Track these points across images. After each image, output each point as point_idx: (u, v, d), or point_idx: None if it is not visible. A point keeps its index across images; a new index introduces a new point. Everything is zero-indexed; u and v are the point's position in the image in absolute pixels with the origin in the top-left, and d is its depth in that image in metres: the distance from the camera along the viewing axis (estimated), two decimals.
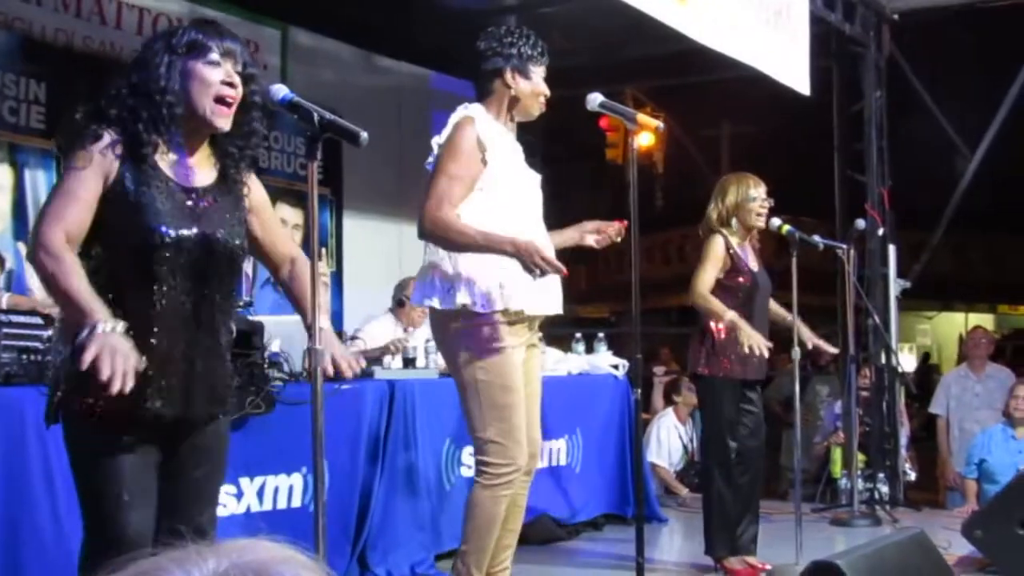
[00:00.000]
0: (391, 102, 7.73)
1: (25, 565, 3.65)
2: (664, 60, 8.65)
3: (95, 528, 2.69)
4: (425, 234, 3.85)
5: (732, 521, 5.28)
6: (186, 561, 0.78)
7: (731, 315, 5.08)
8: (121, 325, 2.51)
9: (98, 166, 2.63)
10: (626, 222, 4.02)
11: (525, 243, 3.66)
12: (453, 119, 3.94)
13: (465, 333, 3.88)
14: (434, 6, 7.71)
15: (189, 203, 2.73)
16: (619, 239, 4.14)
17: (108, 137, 2.64)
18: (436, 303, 3.91)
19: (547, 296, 3.96)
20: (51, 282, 2.57)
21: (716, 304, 5.14)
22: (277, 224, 3.17)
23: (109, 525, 2.65)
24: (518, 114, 4.02)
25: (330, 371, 2.82)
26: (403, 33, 7.88)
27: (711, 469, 5.37)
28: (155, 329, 2.65)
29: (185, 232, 2.68)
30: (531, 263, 3.63)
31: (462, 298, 3.85)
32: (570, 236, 4.25)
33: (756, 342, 5.04)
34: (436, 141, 3.95)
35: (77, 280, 2.54)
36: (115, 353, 2.45)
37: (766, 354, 5.16)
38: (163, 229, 2.65)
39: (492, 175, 3.86)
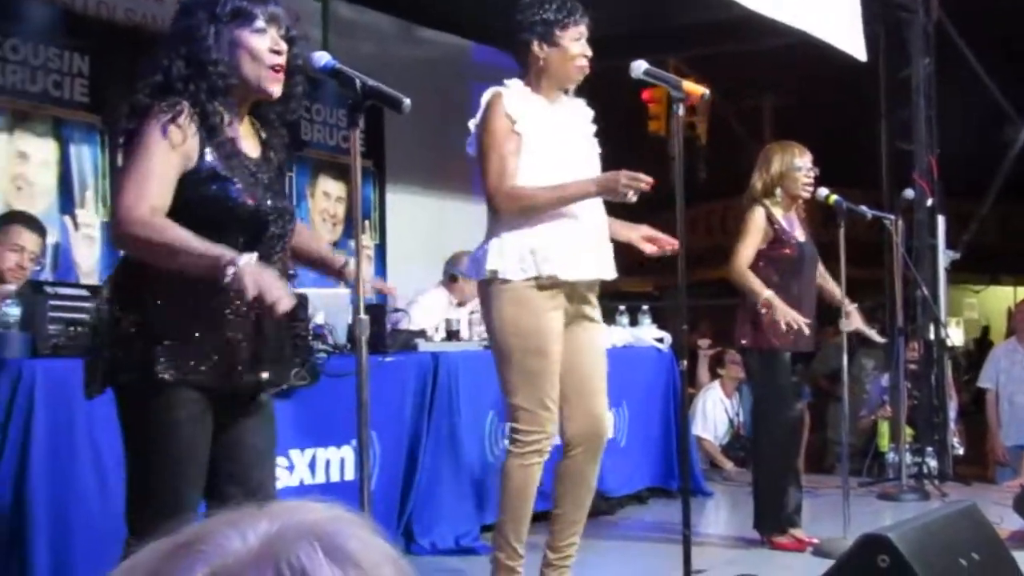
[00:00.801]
0: (432, 74, 7.69)
1: (72, 536, 3.67)
2: (707, 28, 8.53)
3: (152, 498, 2.65)
4: (502, 211, 3.84)
5: (781, 493, 5.24)
6: (239, 523, 0.77)
7: (767, 294, 5.02)
8: (255, 255, 2.52)
9: (181, 142, 2.59)
10: (677, 245, 3.95)
11: (604, 177, 3.63)
12: (484, 98, 3.93)
13: (497, 298, 3.87)
14: None
15: (256, 176, 2.73)
16: (670, 253, 4.07)
17: (187, 110, 2.60)
18: (474, 272, 3.95)
19: (586, 261, 3.91)
20: (158, 248, 2.54)
21: (754, 282, 5.08)
22: None
23: (169, 496, 2.63)
24: (556, 82, 3.96)
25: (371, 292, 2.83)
26: (444, 4, 7.82)
27: (762, 444, 5.32)
28: (234, 307, 2.64)
29: (263, 203, 2.69)
30: (621, 189, 3.61)
31: (492, 264, 3.84)
32: (623, 234, 4.17)
33: (792, 318, 4.98)
34: (472, 123, 3.95)
35: (185, 234, 2.52)
36: (269, 279, 2.48)
37: (805, 330, 5.09)
38: (250, 202, 2.65)
39: (529, 146, 3.84)
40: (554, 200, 3.78)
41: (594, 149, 4.09)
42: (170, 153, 2.57)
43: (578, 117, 4.07)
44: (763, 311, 5.09)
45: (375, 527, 0.81)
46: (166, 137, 2.57)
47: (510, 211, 3.83)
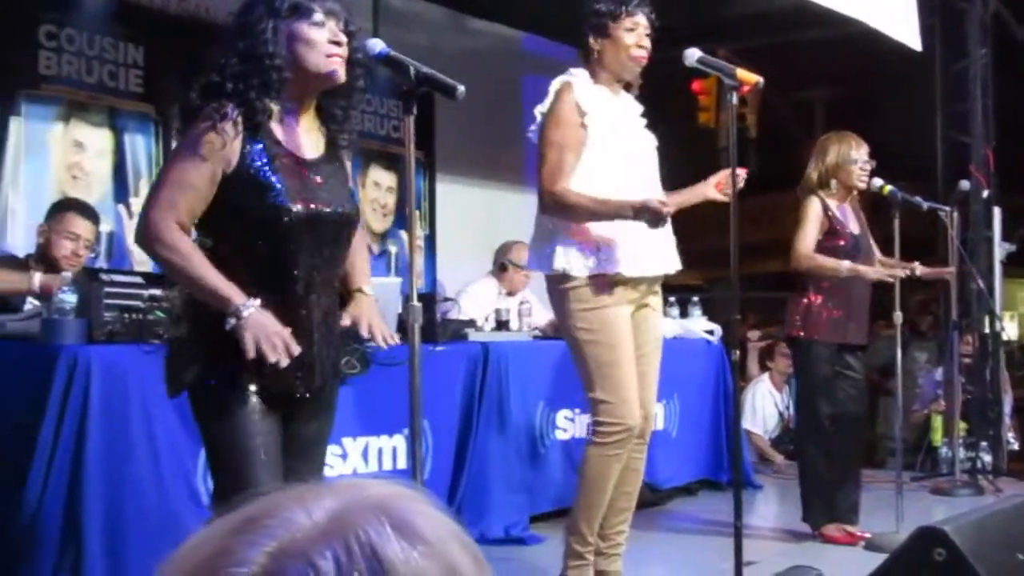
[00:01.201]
0: (482, 64, 7.68)
1: (126, 523, 3.70)
2: (757, 19, 8.48)
3: (228, 484, 2.68)
4: (547, 210, 3.87)
5: (828, 487, 5.20)
6: (305, 498, 0.76)
7: (846, 264, 5.04)
8: (257, 301, 2.55)
9: (220, 148, 2.59)
10: (747, 169, 3.94)
11: (641, 202, 3.64)
12: (553, 86, 3.94)
13: (568, 295, 3.90)
14: None
15: (308, 177, 2.71)
16: (742, 184, 3.99)
17: (232, 112, 2.60)
18: (542, 267, 3.97)
19: (651, 257, 3.93)
20: (176, 272, 2.61)
21: (825, 260, 5.07)
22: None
23: (243, 482, 2.63)
24: (613, 74, 3.97)
25: (364, 333, 2.90)
26: None
27: (805, 434, 5.29)
28: (290, 306, 2.66)
29: (311, 207, 2.67)
30: (653, 215, 3.61)
31: (560, 263, 3.87)
32: (696, 193, 4.19)
33: (881, 275, 5.11)
34: (539, 110, 3.95)
35: (202, 266, 2.57)
36: (270, 334, 2.53)
37: (896, 274, 5.19)
38: (291, 205, 2.64)
39: (593, 140, 3.85)
40: (593, 214, 3.79)
41: (652, 142, 4.10)
42: (204, 163, 2.59)
43: (634, 110, 4.07)
44: (816, 301, 5.06)
45: (439, 504, 0.80)
46: (202, 147, 2.58)
47: (552, 212, 3.86)
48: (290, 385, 2.69)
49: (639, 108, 4.11)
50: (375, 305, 2.99)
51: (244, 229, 2.61)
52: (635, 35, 3.91)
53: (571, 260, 3.86)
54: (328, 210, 2.71)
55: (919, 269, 5.60)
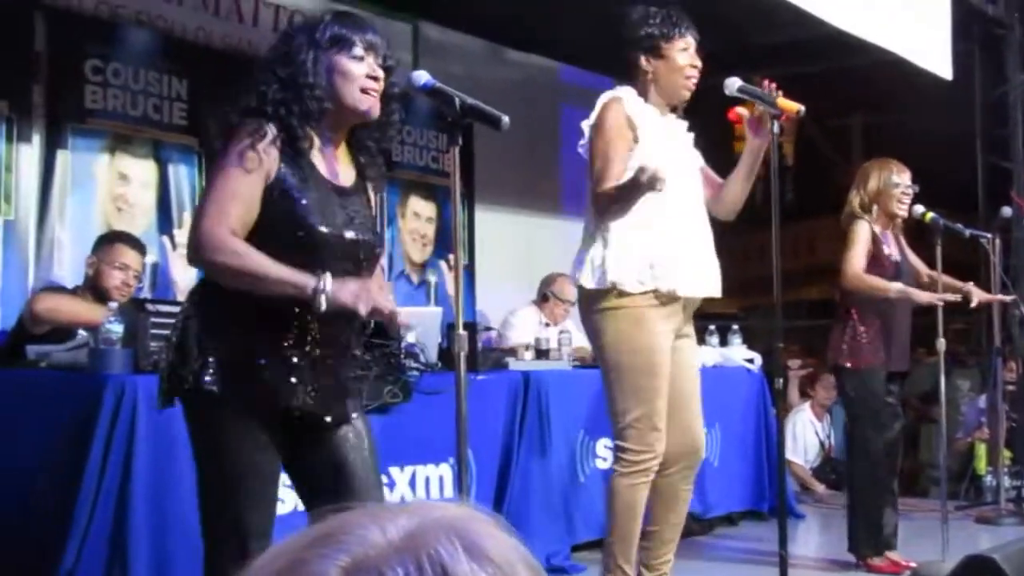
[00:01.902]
0: (520, 95, 7.73)
1: (172, 552, 3.72)
2: (792, 47, 8.47)
3: (211, 519, 2.69)
4: (599, 212, 3.82)
5: (876, 517, 5.16)
6: (379, 517, 0.78)
7: (896, 285, 5.00)
8: (328, 275, 2.54)
9: (262, 165, 2.61)
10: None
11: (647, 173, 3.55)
12: (601, 100, 3.92)
13: (613, 313, 3.83)
14: None
15: (342, 203, 2.74)
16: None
17: (271, 133, 2.62)
18: (586, 281, 3.87)
19: (701, 277, 3.90)
20: (239, 274, 2.56)
21: (875, 280, 5.03)
22: None
23: (227, 517, 2.65)
24: (665, 96, 3.95)
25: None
26: (532, 26, 7.87)
27: (856, 464, 5.23)
28: (311, 328, 2.66)
29: (342, 232, 2.69)
30: (648, 181, 3.50)
31: (612, 276, 3.80)
32: (751, 153, 4.00)
33: (931, 299, 5.08)
34: (586, 124, 3.93)
35: (265, 261, 2.54)
36: (364, 288, 2.55)
37: (946, 299, 5.15)
38: (322, 228, 2.65)
39: (644, 154, 3.79)
40: (623, 199, 3.70)
41: (697, 161, 4.08)
42: (248, 175, 2.59)
43: (681, 127, 4.05)
44: (861, 327, 5.04)
45: (509, 528, 0.82)
46: (244, 160, 2.58)
47: (604, 213, 3.80)
48: (302, 402, 2.66)
49: (684, 124, 4.07)
50: (380, 279, 2.98)
51: (276, 251, 2.60)
52: (688, 55, 3.91)
53: (624, 274, 3.79)
54: (356, 237, 2.74)
55: (975, 293, 5.49)
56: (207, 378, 2.60)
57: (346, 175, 2.81)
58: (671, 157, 3.85)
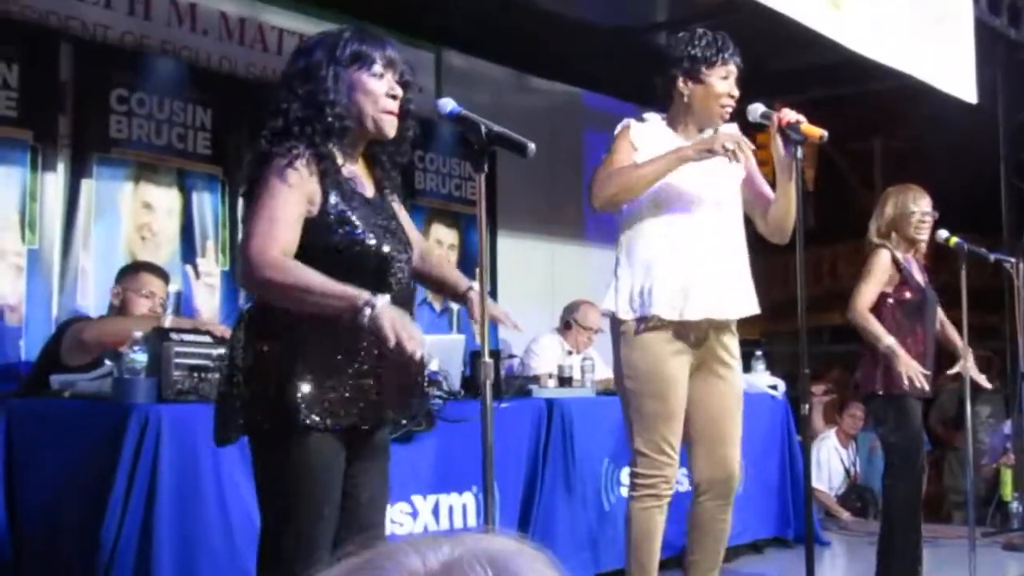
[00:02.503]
0: (544, 121, 7.75)
1: None
2: (811, 72, 8.48)
3: (289, 548, 2.63)
4: (593, 202, 3.81)
5: (911, 547, 5.08)
6: (422, 546, 0.80)
7: (889, 341, 4.90)
8: (386, 296, 2.52)
9: (303, 185, 2.59)
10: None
11: (700, 139, 3.58)
12: (617, 130, 3.91)
13: (617, 340, 3.85)
14: (586, 25, 7.71)
15: (380, 215, 2.75)
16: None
17: (305, 153, 2.61)
18: (608, 306, 3.89)
19: (705, 301, 3.79)
20: (291, 290, 2.53)
21: (875, 326, 4.96)
22: (411, 225, 3.09)
23: (304, 544, 2.62)
24: (698, 121, 3.88)
25: (508, 325, 2.92)
26: (555, 53, 7.90)
27: (897, 494, 5.13)
28: (364, 344, 2.63)
29: (385, 245, 2.69)
30: (718, 148, 3.54)
31: (608, 303, 3.85)
32: (778, 163, 3.84)
33: (914, 372, 4.87)
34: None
35: (317, 276, 2.52)
36: (408, 324, 2.49)
37: (926, 387, 4.99)
38: (371, 242, 2.65)
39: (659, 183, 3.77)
40: (642, 175, 3.68)
41: (734, 178, 3.92)
42: (292, 194, 2.57)
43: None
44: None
45: (555, 563, 0.82)
46: (286, 181, 2.57)
47: (600, 202, 3.76)
48: (353, 417, 2.64)
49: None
50: (488, 296, 2.94)
51: (328, 270, 2.57)
52: (728, 83, 3.82)
53: (619, 301, 3.81)
54: (397, 248, 2.74)
55: (972, 372, 5.39)
56: (300, 409, 2.57)
57: (368, 188, 2.80)
58: (694, 182, 3.81)
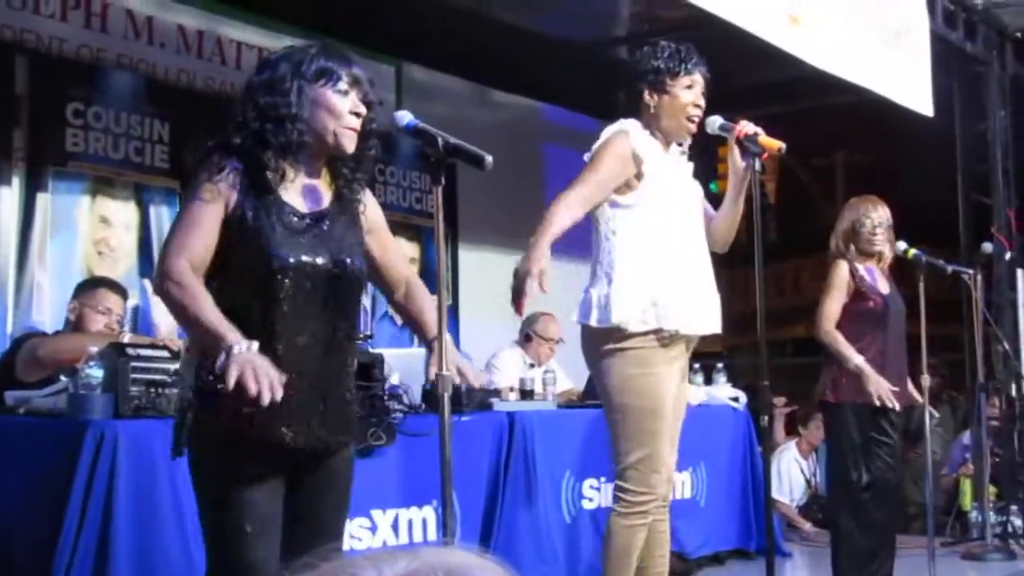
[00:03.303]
0: (504, 135, 7.75)
1: None
2: (773, 87, 8.52)
3: (217, 560, 2.67)
4: (554, 204, 3.78)
5: (862, 557, 5.09)
6: (380, 560, 0.79)
7: (858, 361, 4.93)
8: (255, 344, 2.48)
9: (220, 196, 2.61)
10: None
11: (529, 259, 3.63)
12: (606, 132, 3.87)
13: (620, 354, 3.78)
14: (547, 39, 7.71)
15: (309, 229, 2.71)
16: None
17: (230, 167, 2.62)
18: (591, 321, 3.81)
19: (703, 314, 3.84)
20: (180, 311, 2.56)
21: (843, 345, 4.98)
22: (394, 245, 3.11)
23: (232, 558, 2.64)
24: (665, 133, 3.89)
25: (456, 379, 2.80)
26: (516, 66, 7.91)
27: (838, 503, 5.19)
28: (280, 357, 2.59)
29: (305, 259, 2.65)
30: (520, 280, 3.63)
31: (616, 316, 3.74)
32: (734, 173, 3.92)
33: (884, 391, 4.89)
34: (587, 156, 3.88)
35: (206, 306, 2.52)
36: (257, 368, 2.43)
37: (896, 404, 5.01)
38: (283, 255, 2.62)
39: (647, 191, 3.78)
40: (543, 232, 3.73)
41: (698, 194, 4.00)
42: (206, 206, 2.60)
43: (681, 165, 3.98)
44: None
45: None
46: (202, 195, 2.60)
47: (544, 220, 3.76)
48: (278, 435, 2.63)
49: (685, 155, 4.01)
50: (456, 351, 2.92)
51: (234, 277, 2.61)
52: (693, 93, 3.85)
53: (628, 313, 3.73)
54: (324, 263, 2.69)
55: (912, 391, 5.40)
56: (222, 421, 2.59)
57: (320, 200, 2.78)
58: (675, 189, 3.85)
